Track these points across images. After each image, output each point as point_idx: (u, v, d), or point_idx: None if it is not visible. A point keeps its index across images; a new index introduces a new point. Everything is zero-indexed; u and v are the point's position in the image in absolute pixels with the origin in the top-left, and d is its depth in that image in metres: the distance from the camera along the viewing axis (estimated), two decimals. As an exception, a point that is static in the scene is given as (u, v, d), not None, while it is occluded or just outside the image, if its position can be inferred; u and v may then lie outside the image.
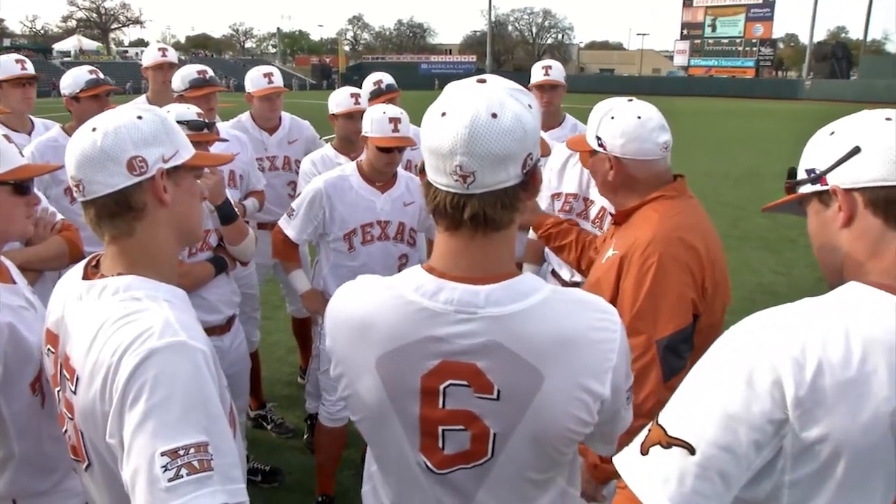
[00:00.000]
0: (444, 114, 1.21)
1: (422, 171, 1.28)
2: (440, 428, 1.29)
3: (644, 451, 1.22)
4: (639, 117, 2.18)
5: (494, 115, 1.17)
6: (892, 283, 1.19)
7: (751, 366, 1.15)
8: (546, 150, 1.62)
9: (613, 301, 2.11)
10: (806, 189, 1.29)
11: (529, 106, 1.24)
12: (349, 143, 3.98)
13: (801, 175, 1.31)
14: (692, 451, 1.17)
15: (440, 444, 1.30)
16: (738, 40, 67.03)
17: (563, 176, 3.38)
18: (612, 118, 2.19)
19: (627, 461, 1.23)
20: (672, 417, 1.21)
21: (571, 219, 3.09)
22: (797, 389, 1.12)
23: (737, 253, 8.57)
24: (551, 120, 4.38)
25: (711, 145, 20.49)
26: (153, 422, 1.18)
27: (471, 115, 1.17)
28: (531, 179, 1.25)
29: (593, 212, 3.23)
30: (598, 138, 2.20)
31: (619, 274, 2.11)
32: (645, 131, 2.17)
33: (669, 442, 1.19)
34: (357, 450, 4.02)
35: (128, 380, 1.22)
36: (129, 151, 1.39)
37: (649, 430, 1.23)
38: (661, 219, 2.12)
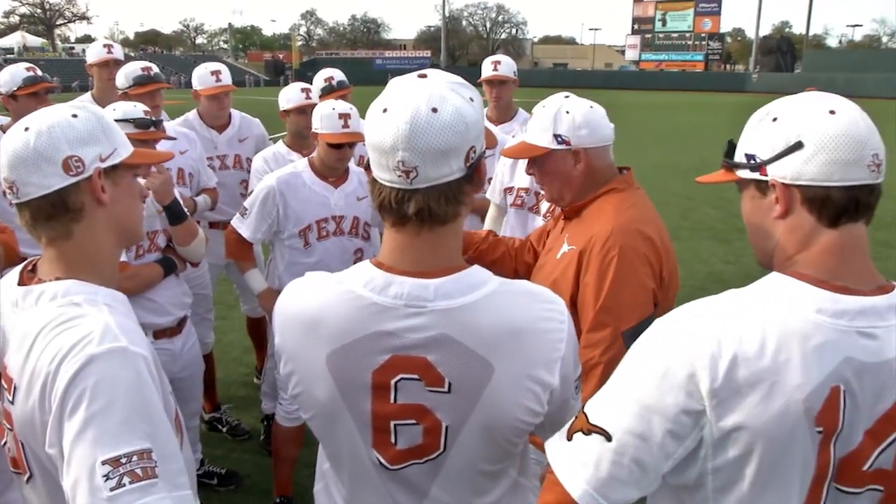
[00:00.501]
0: (385, 110, 1.20)
1: (367, 168, 1.28)
2: (392, 423, 1.28)
3: (569, 437, 1.28)
4: (591, 107, 2.23)
5: (434, 110, 1.17)
6: (813, 275, 1.22)
7: (668, 359, 1.20)
8: (492, 142, 1.59)
9: (574, 297, 2.11)
10: (744, 174, 1.29)
11: (471, 99, 1.24)
12: (301, 140, 3.93)
13: (740, 158, 1.30)
14: (609, 438, 1.23)
15: (392, 440, 1.29)
16: (687, 34, 68.31)
17: (514, 170, 3.39)
18: (567, 112, 2.20)
19: (554, 446, 1.30)
20: (595, 405, 1.28)
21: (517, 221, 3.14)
22: (712, 382, 1.16)
23: (688, 244, 8.71)
24: (503, 114, 4.38)
25: (662, 138, 20.72)
26: (93, 430, 1.14)
27: (411, 111, 1.17)
28: (475, 172, 1.25)
29: (545, 206, 3.22)
30: (558, 136, 2.19)
31: (579, 269, 2.12)
32: (599, 117, 2.22)
33: (590, 429, 1.25)
34: (314, 449, 3.97)
35: (66, 388, 1.18)
36: (65, 151, 1.34)
37: (576, 417, 1.30)
38: (617, 211, 2.14)
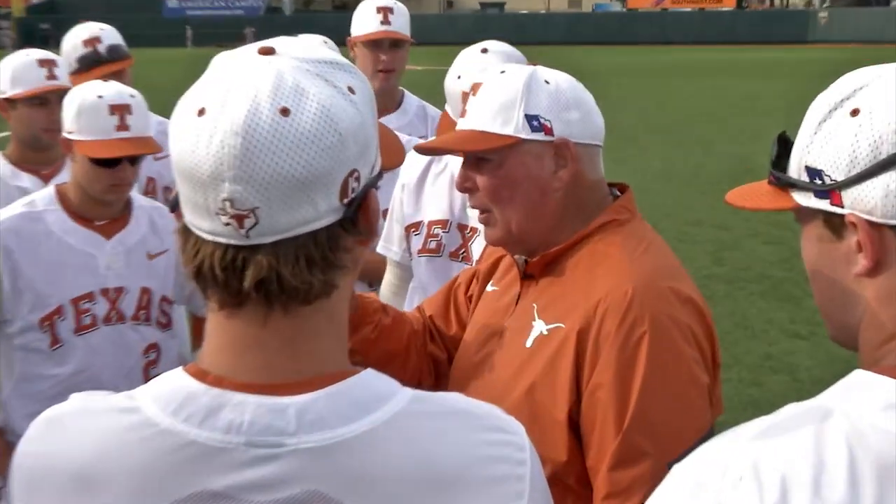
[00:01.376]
0: (201, 111, 0.90)
1: (174, 208, 0.96)
2: None
3: None
4: (575, 81, 1.62)
5: (285, 111, 0.89)
6: None
7: None
8: (396, 158, 1.04)
9: (573, 415, 1.48)
10: (804, 199, 0.97)
11: (350, 90, 0.92)
12: (38, 151, 2.65)
13: (798, 172, 0.98)
14: None
15: None
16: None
17: (420, 195, 2.43)
18: (547, 82, 1.58)
19: None
20: None
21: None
22: None
23: (726, 305, 6.06)
24: (385, 99, 3.04)
25: (670, 128, 15.03)
26: None
27: (245, 113, 0.88)
28: (361, 213, 0.94)
29: (478, 247, 2.24)
30: (533, 119, 1.55)
31: (579, 363, 1.47)
32: (591, 101, 1.62)
33: None
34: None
35: None
36: None
37: None
38: (631, 259, 1.53)
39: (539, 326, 1.54)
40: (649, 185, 10.13)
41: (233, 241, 0.89)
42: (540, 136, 1.53)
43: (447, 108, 2.36)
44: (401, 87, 3.23)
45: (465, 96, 2.40)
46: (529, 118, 1.53)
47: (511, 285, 1.66)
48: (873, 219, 0.89)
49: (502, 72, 1.59)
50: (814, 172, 0.95)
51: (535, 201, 1.55)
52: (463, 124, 1.60)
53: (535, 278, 1.59)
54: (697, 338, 1.47)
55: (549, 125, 1.53)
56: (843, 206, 0.92)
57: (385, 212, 2.50)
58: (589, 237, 1.56)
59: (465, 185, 1.60)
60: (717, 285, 6.50)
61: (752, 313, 6.01)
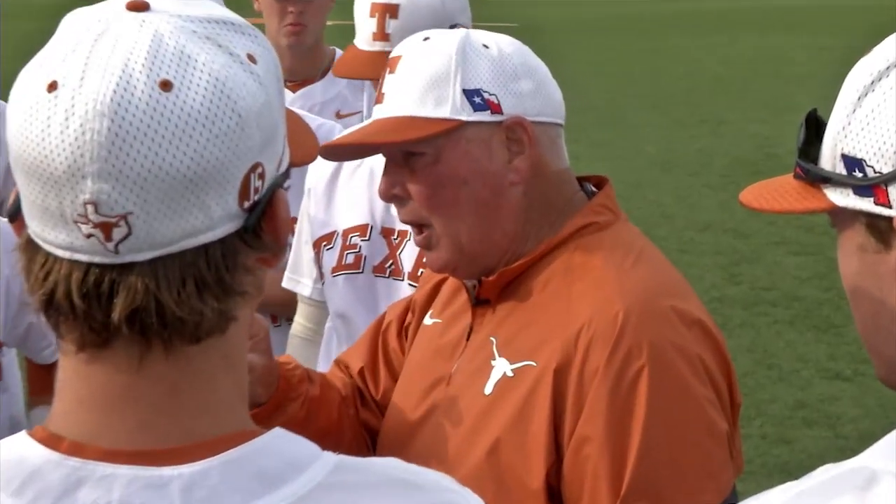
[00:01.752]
0: (52, 85, 0.94)
1: (14, 216, 1.03)
2: None
3: None
4: (521, 44, 1.71)
5: (166, 85, 0.94)
6: None
7: None
8: (307, 152, 1.08)
9: (552, 475, 1.54)
10: (840, 198, 1.05)
11: (250, 58, 0.98)
12: None
13: (833, 162, 1.05)
14: None
15: None
16: None
17: (332, 199, 2.57)
18: (486, 46, 1.66)
19: None
20: None
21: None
22: None
23: (746, 336, 6.47)
24: (303, 64, 3.31)
25: (668, 100, 15.42)
26: None
27: (113, 87, 0.92)
28: (266, 220, 0.99)
29: (410, 257, 2.39)
30: (473, 94, 1.62)
31: (556, 411, 1.54)
32: (544, 68, 1.72)
33: None
34: None
35: None
36: None
37: None
38: (620, 272, 1.61)
39: (501, 366, 1.60)
40: (641, 177, 10.46)
41: (97, 259, 0.93)
42: (485, 116, 1.61)
43: (355, 40, 2.45)
44: (332, 48, 3.36)
45: (379, 9, 2.54)
46: (469, 94, 1.61)
47: (459, 316, 1.73)
48: None
49: (426, 39, 1.67)
50: (853, 163, 1.02)
51: (488, 203, 1.63)
52: (381, 111, 1.66)
53: (492, 304, 1.66)
54: (710, 371, 1.55)
55: (494, 101, 1.61)
56: (891, 206, 0.98)
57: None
58: (561, 246, 1.63)
59: (391, 192, 1.66)
60: (731, 310, 6.84)
61: (779, 347, 6.37)
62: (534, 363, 1.56)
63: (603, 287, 1.58)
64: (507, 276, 1.63)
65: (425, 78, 1.62)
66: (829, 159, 1.07)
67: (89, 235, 0.92)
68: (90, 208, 0.91)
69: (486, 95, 1.61)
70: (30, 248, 0.97)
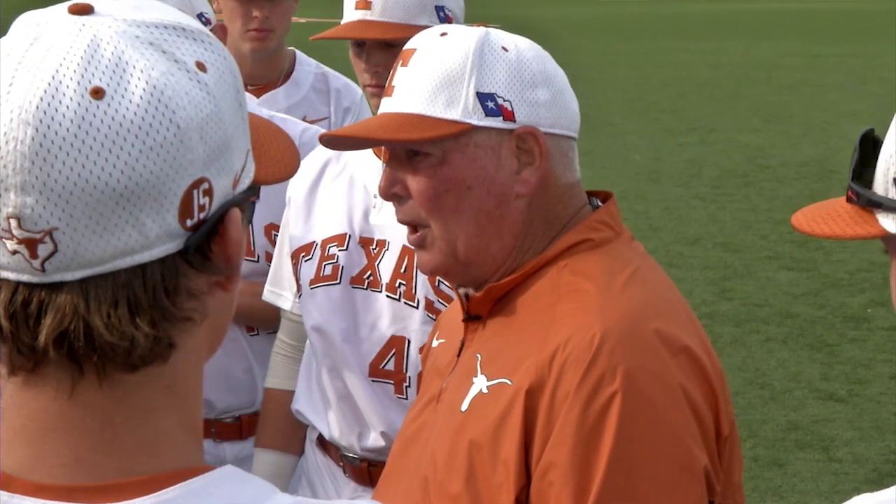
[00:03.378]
0: None
1: None
2: None
3: None
4: (542, 50, 1.72)
5: (98, 93, 0.93)
6: None
7: None
8: (280, 171, 1.05)
9: (522, 498, 1.55)
10: (893, 224, 1.06)
11: (199, 66, 0.97)
12: None
13: (885, 185, 1.06)
14: None
15: None
16: None
17: (311, 209, 2.59)
18: (506, 49, 1.67)
19: None
20: None
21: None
22: None
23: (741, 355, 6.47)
24: (265, 68, 3.34)
25: (656, 107, 15.39)
26: None
27: (40, 94, 0.92)
28: (216, 240, 0.97)
29: (388, 267, 2.43)
30: (487, 98, 1.64)
31: (527, 434, 1.54)
32: (563, 76, 1.73)
33: None
34: None
35: None
36: None
37: None
38: (605, 292, 1.61)
39: (479, 383, 1.62)
40: (627, 187, 10.55)
41: (24, 278, 0.91)
42: (497, 122, 1.63)
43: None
44: (291, 49, 3.36)
45: None
46: (482, 97, 1.63)
47: (455, 332, 1.76)
48: None
49: (443, 34, 1.67)
50: None
51: (490, 212, 1.64)
52: (389, 105, 1.67)
53: (483, 320, 1.68)
54: (693, 401, 1.54)
55: (508, 107, 1.63)
56: None
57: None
58: (551, 263, 1.64)
59: (391, 189, 1.67)
60: (721, 327, 6.92)
61: (771, 366, 6.42)
62: (509, 381, 1.57)
63: (586, 308, 1.59)
64: (495, 292, 1.65)
65: (438, 76, 1.65)
66: (882, 184, 1.07)
67: (14, 252, 0.92)
68: (13, 223, 0.90)
69: (499, 101, 1.64)
70: None
